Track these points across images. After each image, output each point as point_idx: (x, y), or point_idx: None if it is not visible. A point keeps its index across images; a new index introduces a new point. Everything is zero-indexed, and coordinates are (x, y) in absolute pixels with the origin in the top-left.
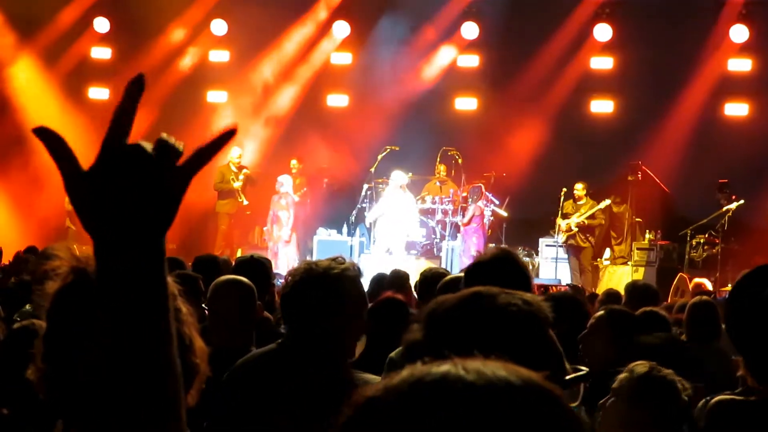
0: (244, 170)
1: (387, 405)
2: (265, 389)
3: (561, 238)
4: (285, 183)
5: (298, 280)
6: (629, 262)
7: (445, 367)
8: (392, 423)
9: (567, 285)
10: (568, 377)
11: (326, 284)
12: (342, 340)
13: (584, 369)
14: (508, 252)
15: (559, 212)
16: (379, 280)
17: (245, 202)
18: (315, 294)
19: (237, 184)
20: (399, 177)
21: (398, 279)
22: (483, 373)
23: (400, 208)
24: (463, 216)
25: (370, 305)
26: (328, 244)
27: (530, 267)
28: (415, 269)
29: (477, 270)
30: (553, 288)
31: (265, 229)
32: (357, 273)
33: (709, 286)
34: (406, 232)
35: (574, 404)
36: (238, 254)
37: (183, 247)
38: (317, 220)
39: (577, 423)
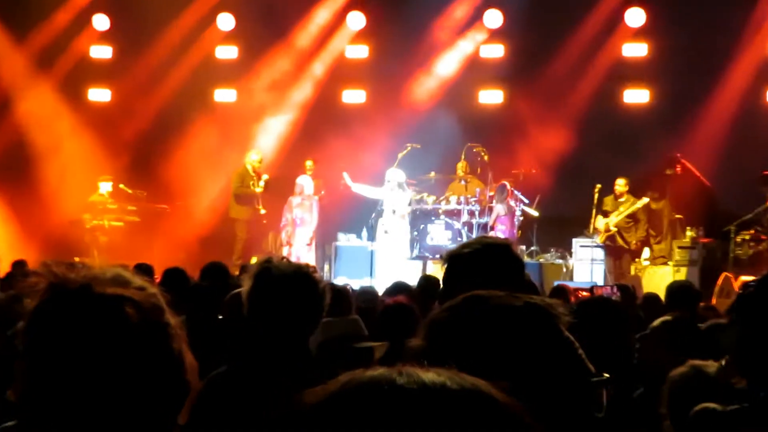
0: (264, 176)
1: (316, 409)
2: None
3: (600, 237)
4: (306, 185)
5: (276, 282)
6: (670, 262)
7: (377, 372)
8: (319, 427)
9: (615, 285)
10: (593, 379)
11: (311, 287)
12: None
13: (606, 375)
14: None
15: (593, 210)
16: (398, 290)
17: (263, 211)
18: (305, 297)
19: (258, 190)
20: (396, 175)
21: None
22: (417, 377)
23: (401, 207)
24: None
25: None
26: (348, 250)
27: (564, 269)
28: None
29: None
30: (598, 290)
31: (282, 234)
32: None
33: None
34: (409, 232)
35: (598, 415)
36: (253, 262)
37: (194, 255)
38: (335, 225)
39: None
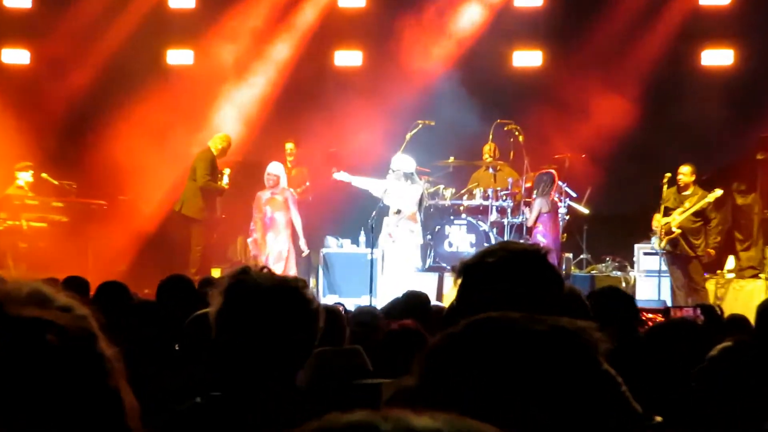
0: (226, 170)
1: None
2: None
3: (659, 242)
4: (280, 174)
5: (255, 300)
6: (761, 275)
7: (357, 416)
8: None
9: (698, 306)
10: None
11: (301, 305)
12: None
13: (658, 418)
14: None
15: (661, 206)
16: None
17: (222, 215)
18: (293, 319)
19: (225, 186)
20: (404, 162)
21: (416, 301)
22: (405, 423)
23: (410, 203)
24: (529, 214)
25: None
26: (341, 259)
27: (622, 283)
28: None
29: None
30: (676, 312)
31: (249, 240)
32: None
33: None
34: (421, 235)
35: None
36: (216, 275)
37: (137, 266)
38: (323, 227)
39: None
